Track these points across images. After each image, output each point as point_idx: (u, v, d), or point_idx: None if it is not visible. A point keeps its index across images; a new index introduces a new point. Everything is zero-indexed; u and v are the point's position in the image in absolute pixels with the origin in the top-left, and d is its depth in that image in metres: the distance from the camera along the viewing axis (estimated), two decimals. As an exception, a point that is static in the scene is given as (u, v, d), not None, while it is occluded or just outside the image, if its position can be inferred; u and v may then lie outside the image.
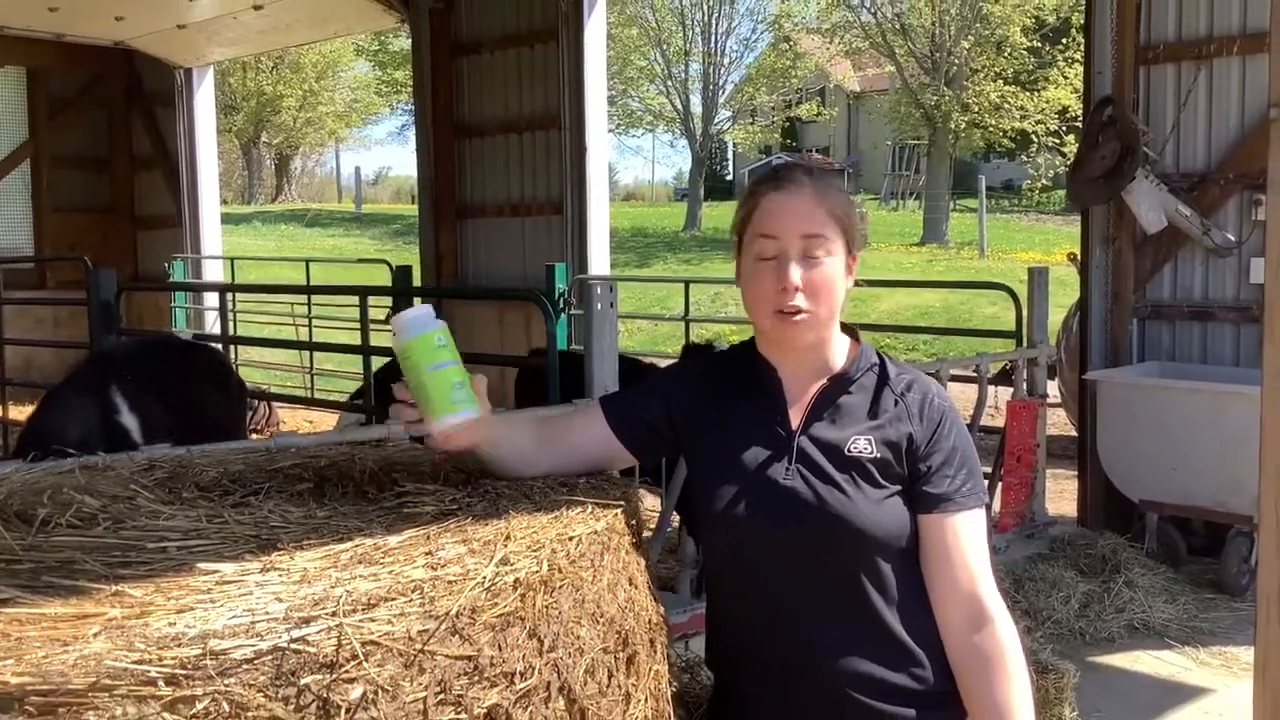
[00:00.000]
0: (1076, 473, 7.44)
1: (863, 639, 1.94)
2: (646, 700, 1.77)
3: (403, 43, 34.80)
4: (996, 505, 6.37)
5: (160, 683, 1.20)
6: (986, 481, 2.07)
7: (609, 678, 1.67)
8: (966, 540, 1.95)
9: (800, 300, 1.91)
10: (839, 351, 2.04)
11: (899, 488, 1.95)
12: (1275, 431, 2.32)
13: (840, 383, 2.01)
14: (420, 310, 1.85)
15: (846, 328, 2.07)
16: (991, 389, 6.48)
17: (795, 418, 2.00)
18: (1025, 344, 6.74)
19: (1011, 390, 6.65)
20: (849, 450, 1.95)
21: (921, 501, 1.95)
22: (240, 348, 11.87)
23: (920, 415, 1.98)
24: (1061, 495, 7.82)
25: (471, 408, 1.83)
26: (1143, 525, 6.38)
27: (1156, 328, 7.03)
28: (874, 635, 1.94)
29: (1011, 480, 6.39)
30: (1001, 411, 6.92)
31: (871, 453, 1.94)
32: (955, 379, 6.25)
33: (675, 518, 5.31)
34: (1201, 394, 6.09)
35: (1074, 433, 8.35)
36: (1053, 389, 7.70)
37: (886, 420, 1.98)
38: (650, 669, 1.81)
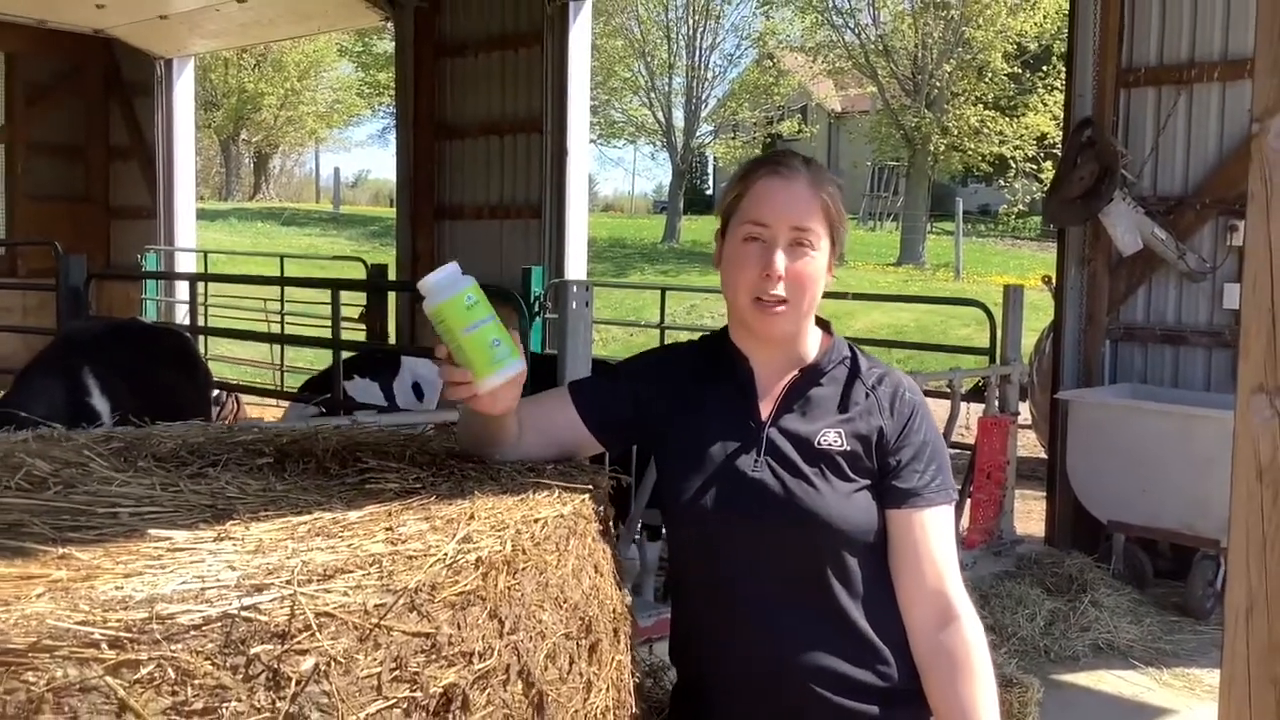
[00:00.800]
0: (1045, 493, 7.46)
1: (828, 635, 1.91)
2: (608, 690, 1.74)
3: (386, 45, 34.71)
4: (965, 521, 6.37)
5: (104, 645, 1.16)
6: (957, 497, 2.05)
7: (570, 664, 1.63)
8: (934, 536, 1.93)
9: (782, 290, 1.89)
10: (811, 344, 2.02)
11: (868, 482, 1.93)
12: (1248, 448, 2.31)
13: (811, 374, 1.99)
14: (445, 271, 1.78)
15: (819, 320, 2.05)
16: (963, 406, 6.47)
17: (765, 409, 1.98)
18: (998, 361, 6.74)
19: (983, 407, 6.65)
20: (819, 443, 1.92)
21: (890, 496, 1.93)
22: (210, 342, 11.75)
23: (891, 409, 1.96)
24: (1029, 515, 7.83)
25: (514, 360, 1.76)
26: (1110, 546, 6.39)
27: (1129, 349, 7.05)
28: (839, 631, 1.92)
29: (981, 496, 6.39)
30: (973, 429, 6.93)
31: (841, 446, 1.92)
32: (928, 394, 6.22)
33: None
34: (1171, 416, 6.10)
35: (1043, 455, 8.36)
36: (1024, 411, 7.72)
37: (857, 413, 1.96)
38: (613, 658, 1.77)
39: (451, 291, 1.75)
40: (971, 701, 1.86)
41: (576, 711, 1.64)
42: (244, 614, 1.23)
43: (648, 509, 4.94)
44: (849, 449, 1.92)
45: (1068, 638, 5.47)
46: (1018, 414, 6.75)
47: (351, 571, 1.34)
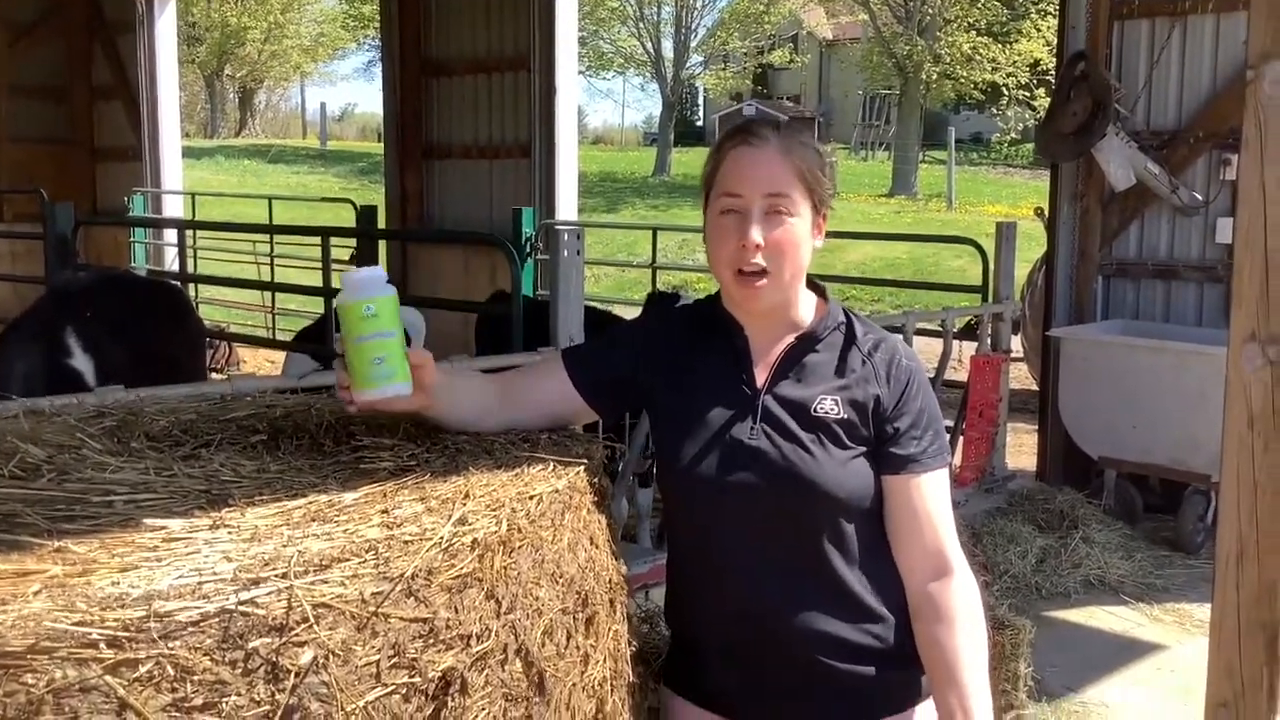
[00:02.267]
0: (1037, 427, 7.50)
1: (823, 599, 1.93)
2: (605, 661, 1.75)
3: (370, -23, 34.23)
4: (957, 459, 6.40)
5: (102, 645, 1.16)
6: (948, 436, 2.08)
7: (567, 639, 1.64)
8: (932, 499, 1.95)
9: (761, 259, 1.87)
10: (805, 309, 2.00)
11: (864, 449, 1.93)
12: (1240, 395, 2.32)
13: (806, 341, 1.98)
14: (365, 274, 1.78)
15: (814, 285, 2.04)
16: (955, 343, 6.48)
17: (760, 376, 1.97)
18: (991, 299, 6.74)
19: (976, 345, 6.66)
20: (815, 410, 1.92)
21: (888, 463, 1.94)
22: (201, 287, 11.70)
23: (888, 377, 1.96)
24: (1021, 449, 7.88)
25: (394, 384, 1.74)
26: (1101, 482, 6.44)
27: (1121, 285, 7.05)
28: (835, 595, 1.93)
29: (973, 434, 6.42)
30: (965, 365, 6.94)
31: (838, 414, 1.92)
32: (921, 333, 6.24)
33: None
34: (1163, 353, 6.12)
35: (1035, 387, 8.40)
36: (1015, 344, 7.73)
37: (853, 380, 1.95)
38: (610, 629, 1.79)
39: (356, 296, 1.75)
40: (956, 653, 1.88)
41: (575, 685, 1.66)
42: (241, 609, 1.23)
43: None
44: (845, 416, 1.92)
45: (1059, 574, 5.53)
46: (1010, 351, 6.76)
47: (348, 560, 1.35)
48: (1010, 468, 6.97)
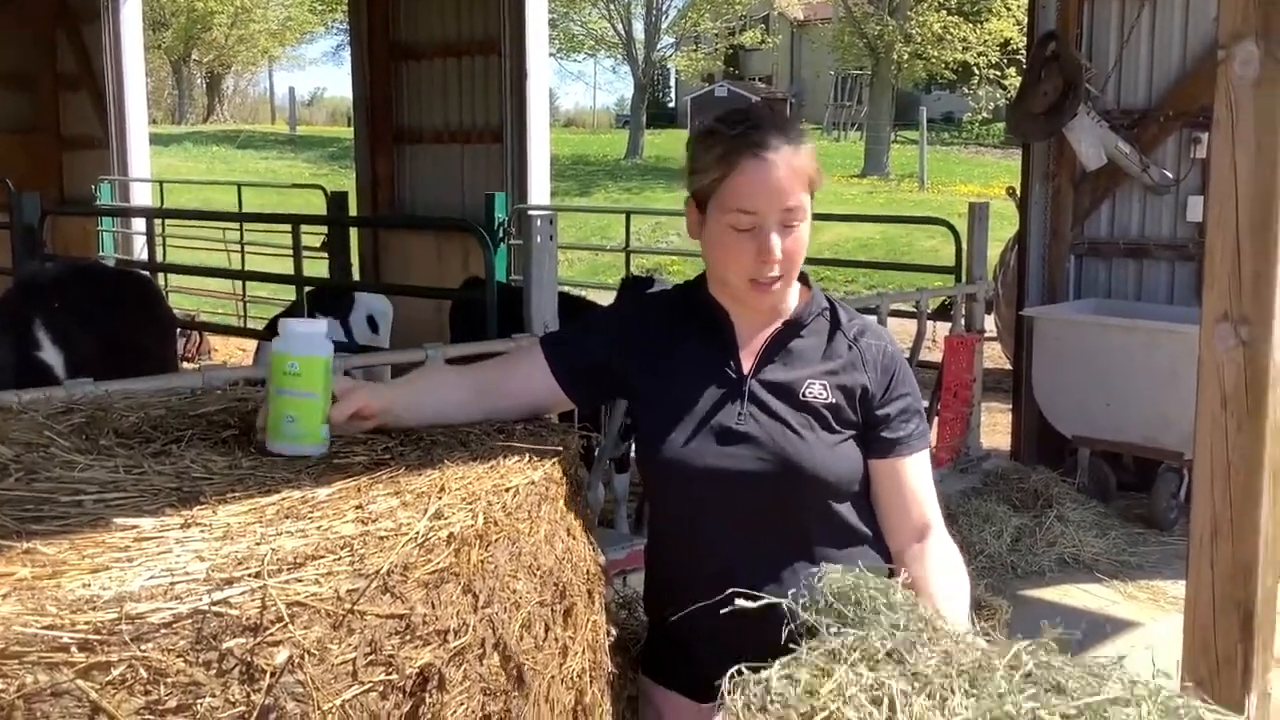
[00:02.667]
0: (1011, 406, 7.53)
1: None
2: (584, 652, 1.75)
3: (338, -40, 33.93)
4: (933, 439, 6.42)
5: (73, 649, 1.15)
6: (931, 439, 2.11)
7: (545, 631, 1.64)
8: (917, 478, 2.00)
9: (779, 269, 1.90)
10: (791, 296, 2.01)
11: (852, 433, 1.97)
12: (1213, 375, 2.34)
13: (792, 327, 1.99)
14: (301, 329, 1.76)
15: (801, 277, 2.05)
16: (930, 324, 6.50)
17: (747, 361, 1.98)
18: (964, 280, 6.75)
19: (950, 325, 6.68)
20: (803, 394, 1.94)
21: (876, 447, 1.98)
22: (170, 276, 11.60)
23: (876, 364, 1.99)
24: (995, 428, 7.91)
25: (302, 445, 1.72)
26: (1075, 460, 6.48)
27: (1094, 264, 7.08)
28: None
29: (948, 415, 6.44)
30: (939, 346, 6.97)
31: (826, 398, 1.95)
32: (895, 314, 6.25)
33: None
34: (1135, 331, 6.15)
35: (1009, 366, 8.43)
36: (990, 323, 7.76)
37: (840, 366, 1.98)
38: (588, 620, 1.78)
39: (283, 349, 1.73)
40: (941, 587, 1.91)
41: (554, 677, 1.65)
42: (215, 609, 1.22)
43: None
44: (833, 401, 1.95)
45: (1034, 553, 5.56)
46: (984, 332, 6.78)
47: (322, 557, 1.33)
48: (985, 447, 7.00)
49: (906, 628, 1.62)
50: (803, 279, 2.05)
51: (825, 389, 1.95)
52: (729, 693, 1.51)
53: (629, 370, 2.01)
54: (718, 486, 1.92)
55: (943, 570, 1.94)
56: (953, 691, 1.47)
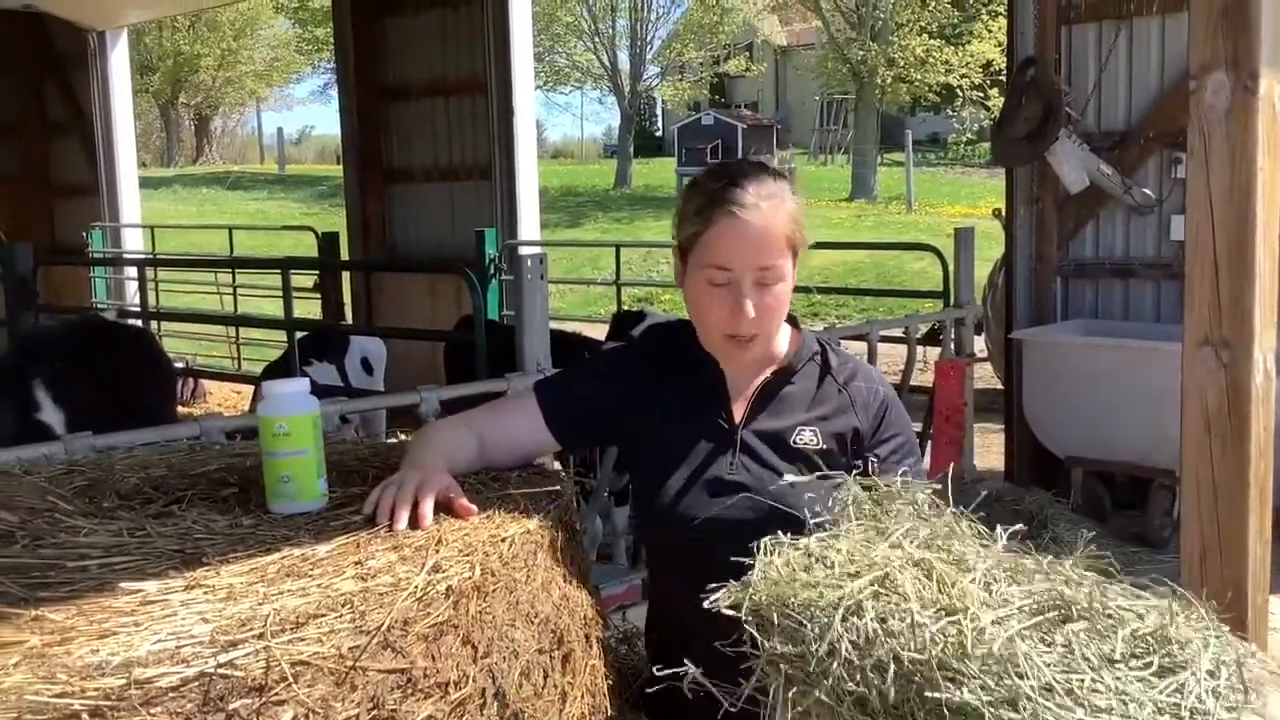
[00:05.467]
0: (1003, 427, 7.56)
1: None
2: (583, 697, 1.77)
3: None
4: (926, 464, 6.44)
5: (84, 716, 1.18)
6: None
7: (544, 678, 1.66)
8: None
9: (752, 326, 1.91)
10: (780, 342, 2.03)
11: (844, 477, 1.95)
12: (1196, 399, 2.37)
13: (782, 375, 2.01)
14: (284, 389, 1.80)
15: (790, 320, 2.06)
16: (920, 349, 6.54)
17: (738, 411, 1.99)
18: (953, 304, 6.80)
19: (940, 350, 6.72)
20: (794, 442, 1.95)
21: None
22: (164, 322, 11.63)
23: (866, 407, 2.00)
24: (989, 450, 7.94)
25: (299, 503, 1.75)
26: (1068, 480, 6.51)
27: (1080, 286, 7.13)
28: None
29: (941, 440, 6.47)
30: (930, 368, 7.00)
31: (817, 444, 1.95)
32: (885, 339, 6.29)
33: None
34: (1123, 351, 6.20)
35: (1001, 387, 8.47)
36: (980, 344, 7.80)
37: (831, 411, 1.98)
38: (586, 665, 1.81)
39: (270, 412, 1.77)
40: None
41: (553, 723, 1.68)
42: (220, 671, 1.25)
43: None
44: (825, 447, 1.95)
45: (1031, 575, 5.57)
46: (974, 355, 6.82)
47: (324, 615, 1.36)
48: (979, 469, 7.02)
49: (935, 528, 1.59)
50: (792, 322, 2.06)
51: (816, 435, 1.96)
52: (762, 554, 1.48)
53: (626, 421, 2.03)
54: (710, 537, 1.93)
55: None
56: (996, 579, 1.46)
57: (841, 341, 5.43)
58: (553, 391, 2.07)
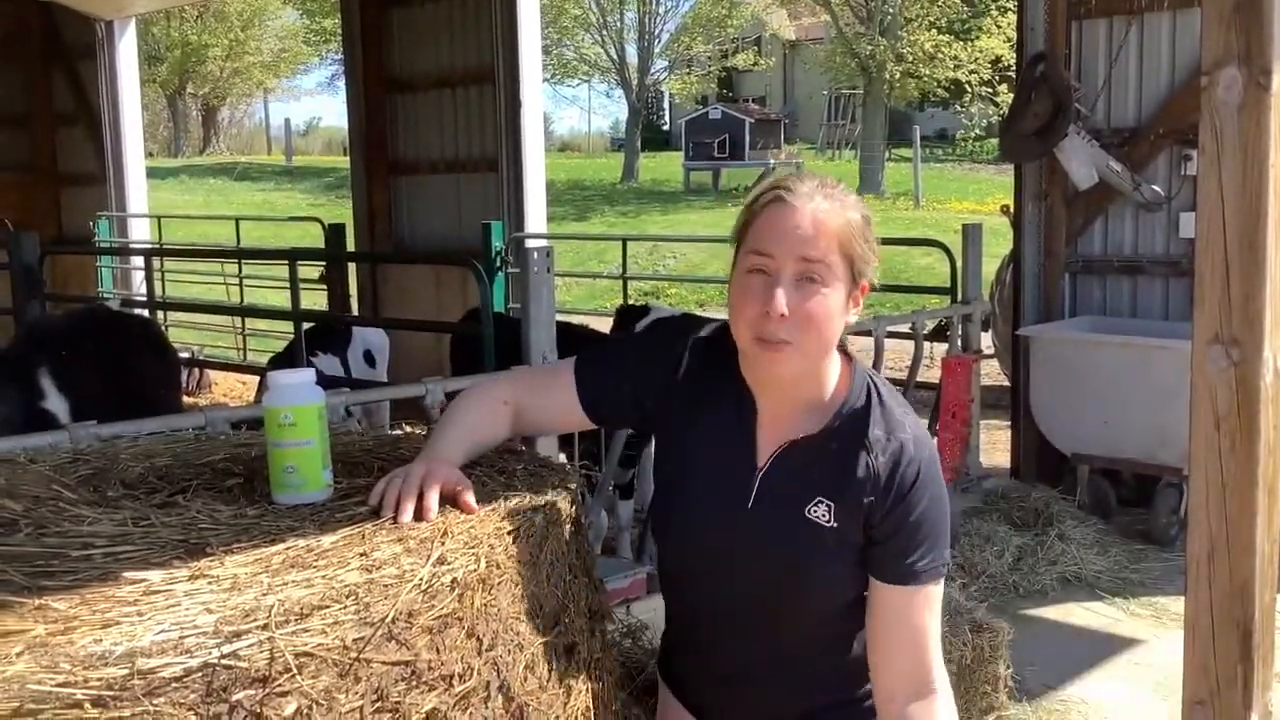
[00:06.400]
0: (1010, 423, 7.55)
1: (802, 676, 1.96)
2: (588, 690, 1.77)
3: (331, -9, 34.08)
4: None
5: (87, 705, 1.18)
6: (946, 570, 1.93)
7: (549, 671, 1.66)
8: (918, 613, 1.84)
9: (785, 332, 1.73)
10: (827, 383, 1.85)
11: (854, 555, 1.86)
12: (1205, 397, 2.36)
13: (814, 438, 1.86)
14: (290, 380, 1.78)
15: (840, 349, 1.89)
16: (927, 345, 6.53)
17: (762, 456, 1.87)
18: (960, 300, 6.78)
19: (946, 346, 6.70)
20: (808, 513, 1.83)
21: (877, 569, 1.85)
22: (170, 312, 11.64)
23: (888, 483, 1.82)
24: (995, 446, 7.93)
25: (304, 494, 1.74)
26: (1074, 477, 6.50)
27: (1088, 282, 7.12)
28: (814, 674, 1.97)
29: (947, 436, 6.45)
30: (937, 364, 6.99)
31: (829, 521, 1.82)
32: (892, 335, 6.28)
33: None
34: (1131, 348, 6.18)
35: (1008, 383, 8.45)
36: (987, 340, 7.78)
37: (851, 484, 1.82)
38: (591, 658, 1.80)
39: (276, 402, 1.76)
40: None
41: (558, 717, 1.67)
42: (224, 662, 1.25)
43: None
44: (836, 525, 1.82)
45: (1036, 572, 5.57)
46: (980, 352, 6.81)
47: (328, 607, 1.36)
48: (985, 466, 7.02)
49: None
50: (846, 355, 1.90)
51: (829, 511, 1.82)
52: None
53: (658, 424, 1.98)
54: (713, 568, 1.91)
55: None
56: None
57: (848, 337, 5.45)
58: (591, 375, 1.98)
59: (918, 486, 1.82)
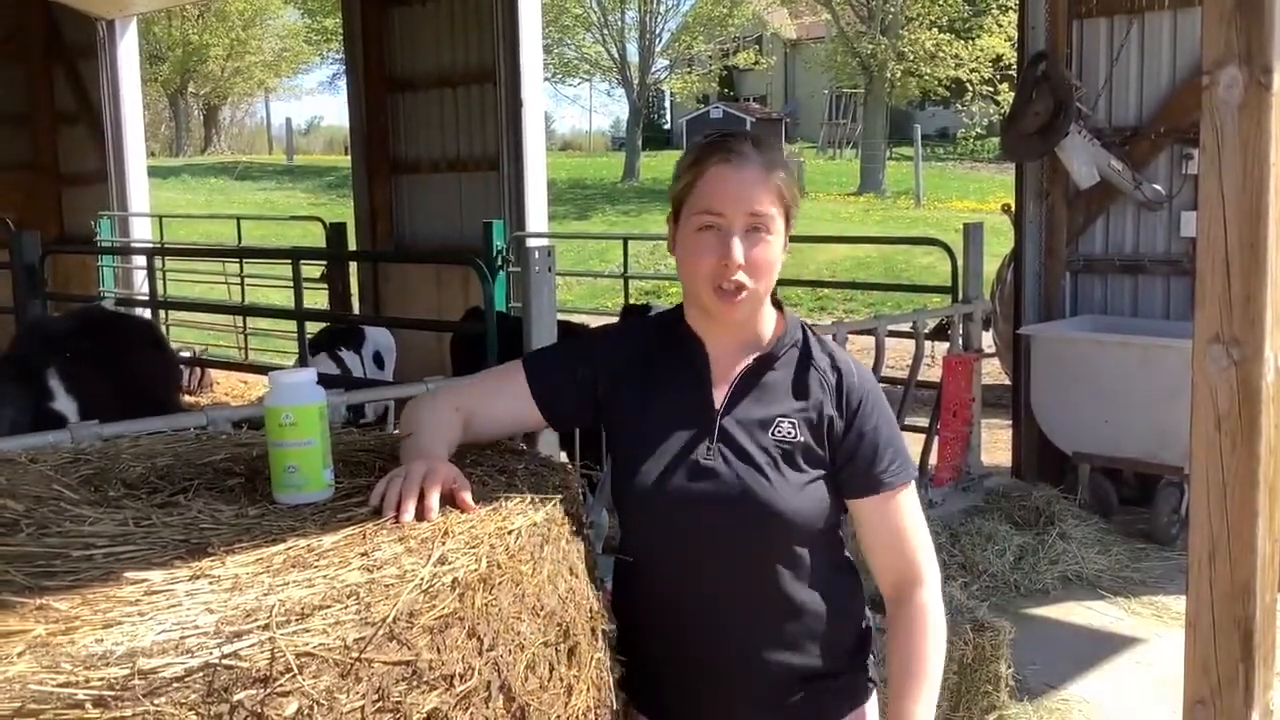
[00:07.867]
0: (1011, 422, 7.55)
1: (773, 624, 1.96)
2: (588, 690, 1.76)
3: (332, -10, 34.08)
4: (933, 459, 6.45)
5: (88, 705, 1.17)
6: (924, 435, 2.06)
7: (550, 671, 1.66)
8: (900, 515, 1.98)
9: (742, 277, 1.87)
10: (766, 325, 2.01)
11: (821, 472, 1.95)
12: (1206, 396, 2.36)
13: (764, 362, 1.99)
14: (291, 379, 1.79)
15: (773, 299, 2.04)
16: (928, 344, 6.53)
17: (719, 396, 1.98)
18: (961, 299, 6.78)
19: (948, 345, 6.70)
20: (773, 433, 1.93)
21: (850, 486, 1.97)
22: (172, 311, 11.65)
23: (841, 398, 1.97)
24: (996, 445, 7.94)
25: (305, 494, 1.74)
26: (1075, 476, 6.50)
27: (1089, 281, 7.12)
28: (784, 620, 1.96)
29: (948, 434, 6.45)
30: (938, 363, 6.99)
31: (795, 436, 1.93)
32: (893, 334, 6.29)
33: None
34: (1132, 347, 6.18)
35: (1009, 382, 8.46)
36: (988, 339, 7.79)
37: (810, 403, 1.96)
38: (592, 658, 1.80)
39: (277, 402, 1.75)
40: (921, 662, 1.94)
41: (559, 717, 1.67)
42: (225, 662, 1.24)
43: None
44: (802, 440, 1.93)
45: (1037, 571, 5.58)
46: (981, 351, 6.81)
47: (329, 607, 1.36)
48: (986, 465, 7.02)
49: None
50: (777, 305, 2.05)
51: (794, 427, 1.93)
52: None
53: (611, 402, 2.02)
54: (684, 523, 1.93)
55: (930, 640, 1.96)
56: None
57: (850, 336, 5.44)
58: (540, 367, 2.05)
59: (867, 404, 1.98)
